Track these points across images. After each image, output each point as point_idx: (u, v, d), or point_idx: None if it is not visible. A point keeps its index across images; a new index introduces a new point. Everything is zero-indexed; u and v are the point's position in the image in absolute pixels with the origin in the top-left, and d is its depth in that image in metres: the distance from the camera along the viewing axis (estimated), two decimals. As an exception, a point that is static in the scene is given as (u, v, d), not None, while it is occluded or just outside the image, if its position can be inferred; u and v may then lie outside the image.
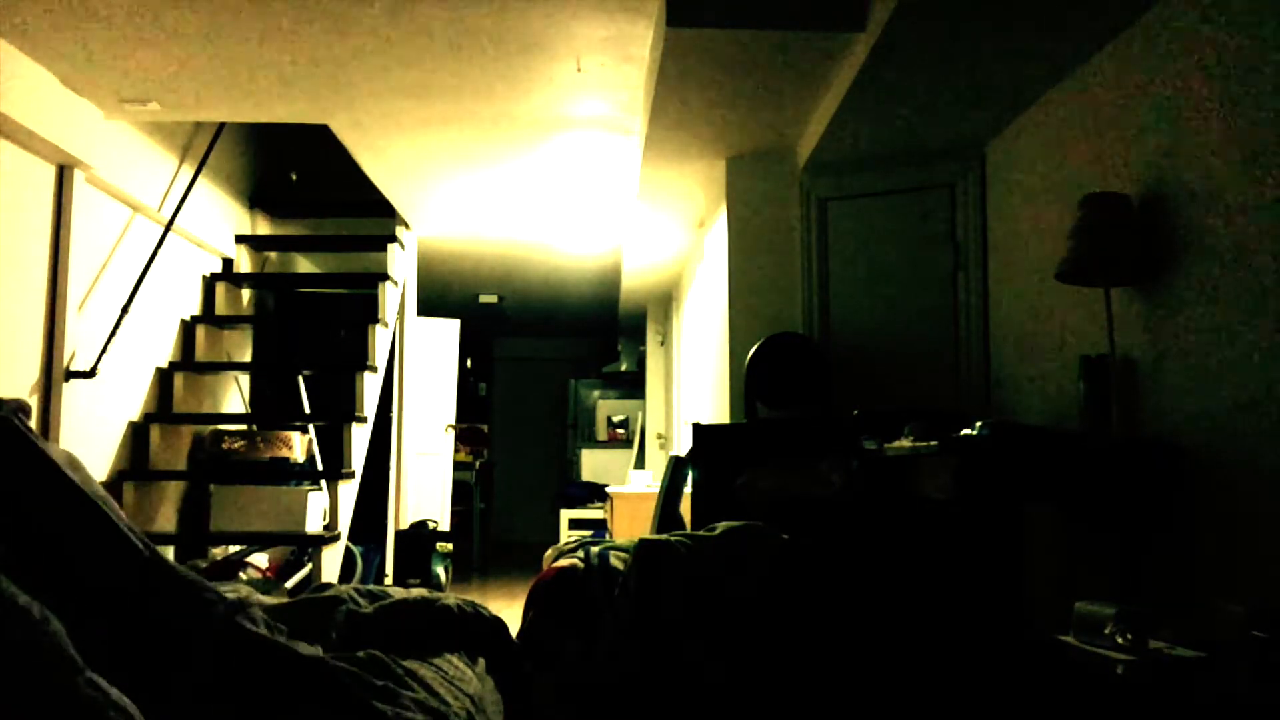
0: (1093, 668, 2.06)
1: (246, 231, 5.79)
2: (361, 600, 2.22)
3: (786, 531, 2.74)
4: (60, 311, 3.95)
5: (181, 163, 4.88)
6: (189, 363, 5.08)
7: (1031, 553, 2.94)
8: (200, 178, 4.96)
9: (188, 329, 5.15)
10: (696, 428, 3.72)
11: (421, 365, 6.73)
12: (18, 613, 0.47)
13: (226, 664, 1.33)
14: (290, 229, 6.21)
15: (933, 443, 2.56)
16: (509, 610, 5.57)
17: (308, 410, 5.71)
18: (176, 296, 5.06)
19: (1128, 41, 2.69)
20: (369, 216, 6.01)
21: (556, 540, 6.36)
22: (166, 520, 4.74)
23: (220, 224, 5.43)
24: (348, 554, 5.17)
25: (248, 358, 5.79)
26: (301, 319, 6.48)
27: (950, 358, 3.72)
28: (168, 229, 4.66)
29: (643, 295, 8.07)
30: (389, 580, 5.96)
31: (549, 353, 11.18)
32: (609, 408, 9.84)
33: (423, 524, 6.42)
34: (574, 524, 7.78)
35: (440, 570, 6.21)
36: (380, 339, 5.46)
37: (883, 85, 3.13)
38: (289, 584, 4.78)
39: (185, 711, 1.15)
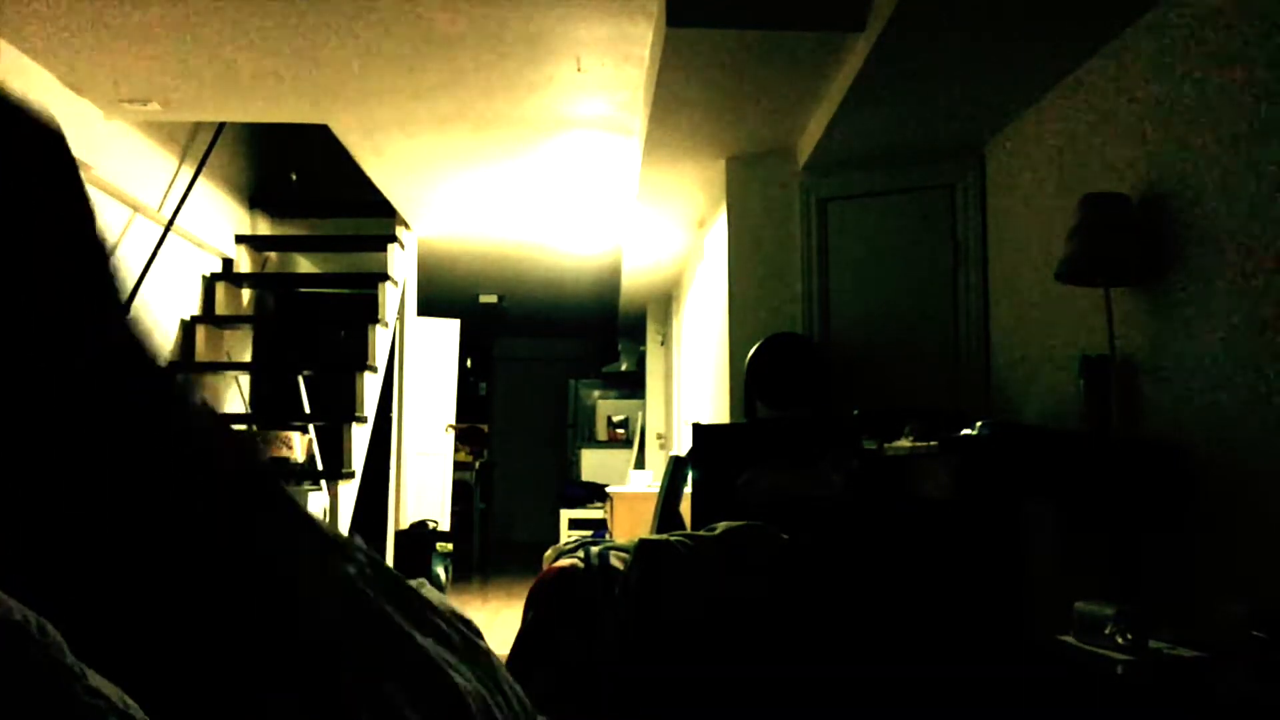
0: (1093, 668, 2.06)
1: (246, 231, 5.79)
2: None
3: (786, 531, 2.74)
4: (60, 311, 3.94)
5: (181, 163, 4.88)
6: (189, 363, 5.08)
7: (1031, 552, 2.93)
8: (200, 178, 4.96)
9: (188, 329, 5.15)
10: (696, 428, 3.72)
11: (421, 365, 6.73)
12: (9, 629, 0.46)
13: None
14: (290, 229, 6.21)
15: (932, 442, 2.56)
16: (509, 610, 5.57)
17: (308, 410, 5.70)
18: (176, 296, 5.06)
19: (1127, 42, 2.69)
20: (369, 216, 6.01)
21: (556, 540, 6.35)
22: (166, 520, 4.74)
23: (220, 224, 5.43)
24: (348, 554, 5.16)
25: (248, 358, 5.79)
26: (301, 319, 6.48)
27: (950, 357, 3.72)
28: (168, 229, 4.66)
29: (643, 295, 8.07)
30: (389, 580, 5.95)
31: (549, 353, 11.17)
32: (609, 408, 9.84)
33: (423, 524, 6.41)
34: (574, 524, 7.78)
35: (440, 570, 6.21)
36: (380, 339, 5.46)
37: (883, 85, 3.13)
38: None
39: None
